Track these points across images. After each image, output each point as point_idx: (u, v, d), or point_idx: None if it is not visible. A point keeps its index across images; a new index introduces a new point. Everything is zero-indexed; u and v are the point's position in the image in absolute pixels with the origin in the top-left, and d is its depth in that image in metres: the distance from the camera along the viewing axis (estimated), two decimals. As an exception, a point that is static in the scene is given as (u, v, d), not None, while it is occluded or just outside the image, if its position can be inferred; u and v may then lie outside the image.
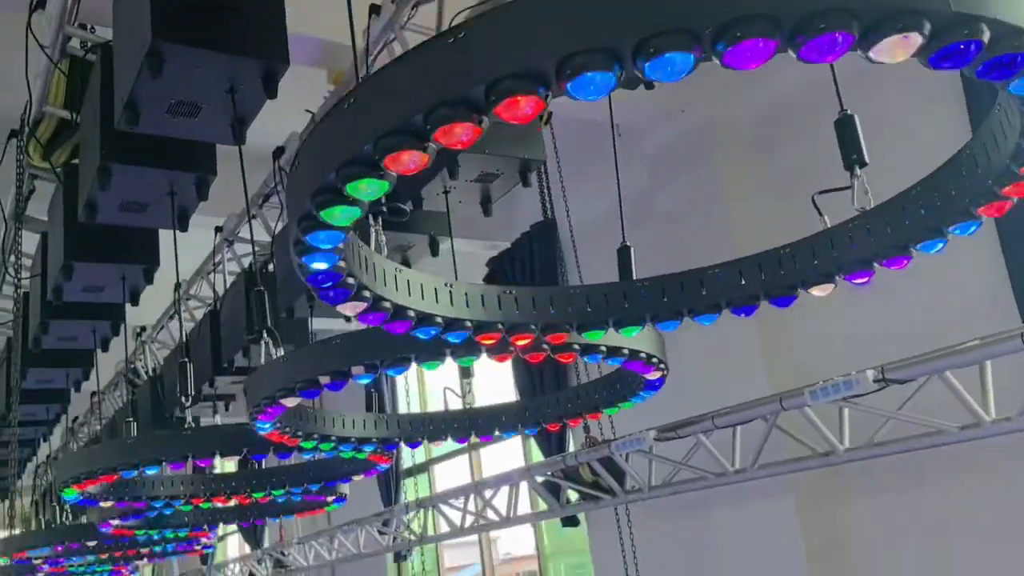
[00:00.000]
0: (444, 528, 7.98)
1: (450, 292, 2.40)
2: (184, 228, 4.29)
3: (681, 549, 6.69)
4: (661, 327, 2.72)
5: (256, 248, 5.77)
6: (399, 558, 10.25)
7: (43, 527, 10.84)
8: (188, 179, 3.99)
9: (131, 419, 5.44)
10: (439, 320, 2.34)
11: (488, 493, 7.18)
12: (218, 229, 6.50)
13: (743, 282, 2.58)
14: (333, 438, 3.77)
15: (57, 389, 6.72)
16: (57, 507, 8.97)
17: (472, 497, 7.48)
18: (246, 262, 6.62)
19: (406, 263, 5.74)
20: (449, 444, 4.50)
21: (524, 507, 7.32)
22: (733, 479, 5.23)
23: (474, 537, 9.79)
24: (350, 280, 2.07)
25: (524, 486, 6.96)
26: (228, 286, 6.45)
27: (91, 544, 6.26)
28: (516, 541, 9.97)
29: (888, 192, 2.35)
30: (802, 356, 5.71)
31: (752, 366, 5.81)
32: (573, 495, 6.65)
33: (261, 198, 5.86)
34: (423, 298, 2.32)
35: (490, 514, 7.24)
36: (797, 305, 2.73)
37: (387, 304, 2.22)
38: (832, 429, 4.69)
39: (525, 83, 1.38)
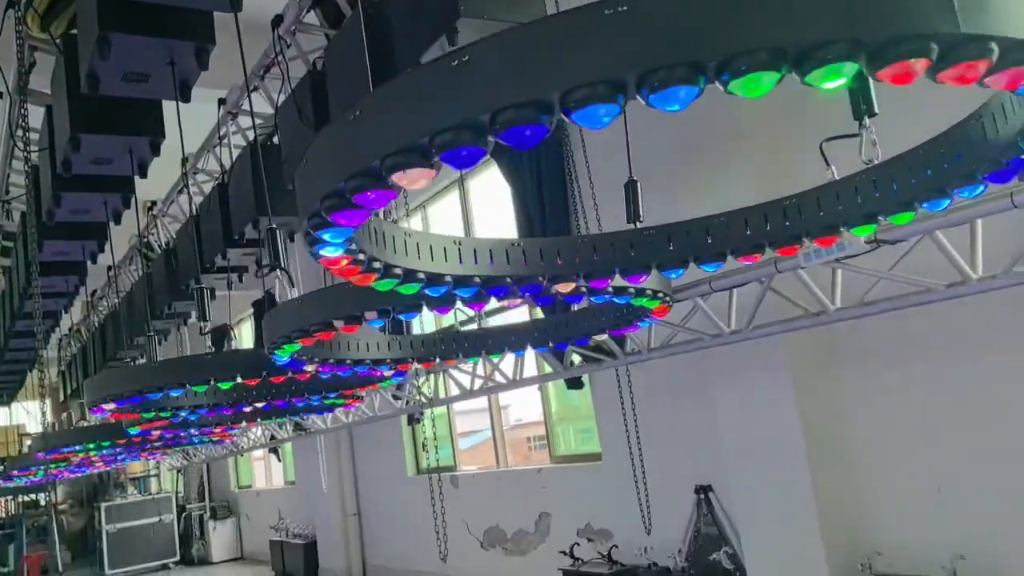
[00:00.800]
0: (455, 391, 8.31)
1: (459, 249, 2.45)
2: (187, 99, 4.30)
3: (681, 416, 6.97)
4: (666, 274, 2.83)
5: (259, 121, 5.77)
6: (412, 421, 10.70)
7: (69, 395, 11.38)
8: (187, 48, 3.97)
9: (151, 334, 5.57)
10: (448, 279, 2.41)
11: (495, 358, 7.42)
12: (221, 101, 6.47)
13: (748, 232, 2.64)
14: (348, 361, 3.88)
15: (74, 261, 6.89)
16: (85, 407, 9.42)
17: (481, 362, 7.74)
18: (251, 135, 6.64)
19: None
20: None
21: (531, 371, 7.59)
22: (729, 339, 5.42)
23: (485, 406, 10.17)
24: (361, 256, 2.13)
25: (530, 350, 7.17)
26: (234, 159, 6.49)
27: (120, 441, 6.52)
28: (525, 406, 10.35)
29: (896, 147, 2.33)
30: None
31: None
32: (576, 358, 6.90)
33: (262, 69, 5.80)
34: (432, 259, 2.38)
35: (498, 377, 7.52)
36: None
37: (398, 270, 2.28)
38: (825, 292, 4.82)
39: (529, 112, 1.34)
